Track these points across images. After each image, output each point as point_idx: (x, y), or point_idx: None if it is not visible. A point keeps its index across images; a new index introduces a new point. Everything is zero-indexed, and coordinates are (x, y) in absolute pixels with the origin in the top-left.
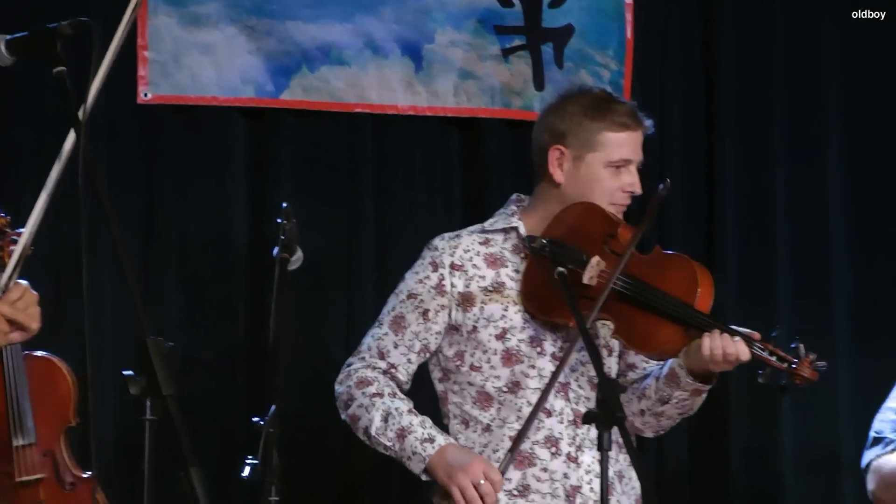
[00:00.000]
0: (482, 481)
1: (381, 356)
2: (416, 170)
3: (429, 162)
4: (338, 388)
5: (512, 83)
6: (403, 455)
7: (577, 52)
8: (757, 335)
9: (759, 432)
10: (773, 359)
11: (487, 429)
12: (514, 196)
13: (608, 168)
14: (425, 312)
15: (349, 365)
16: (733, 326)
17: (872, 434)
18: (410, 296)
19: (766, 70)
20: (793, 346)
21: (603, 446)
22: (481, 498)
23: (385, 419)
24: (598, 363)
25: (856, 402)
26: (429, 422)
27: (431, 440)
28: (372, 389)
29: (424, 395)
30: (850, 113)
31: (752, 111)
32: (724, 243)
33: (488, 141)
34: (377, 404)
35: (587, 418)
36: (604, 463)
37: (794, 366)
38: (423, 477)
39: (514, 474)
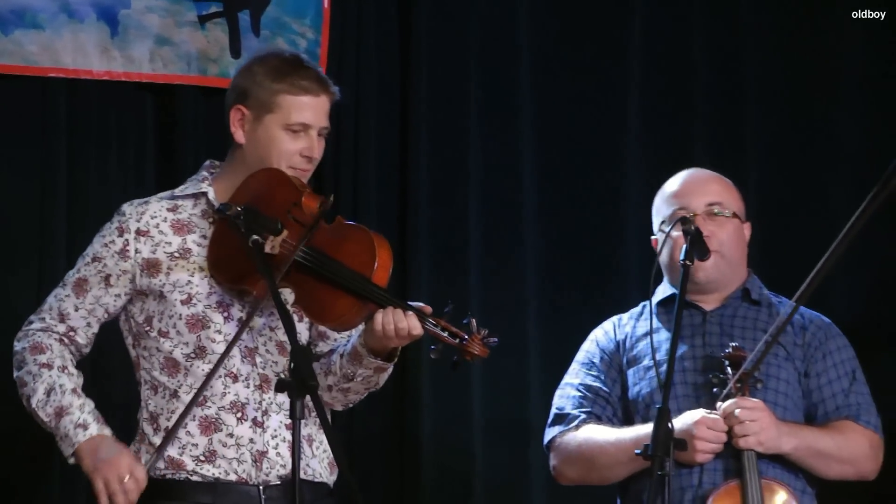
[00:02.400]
0: (127, 478)
1: (62, 318)
2: (111, 136)
3: (123, 128)
4: (16, 345)
5: (208, 50)
6: (57, 434)
7: (274, 21)
8: (429, 309)
9: (450, 401)
10: (445, 334)
11: (175, 395)
12: (206, 162)
13: (286, 131)
14: (107, 277)
15: (29, 323)
16: (410, 302)
17: (554, 411)
18: (95, 259)
19: (462, 45)
20: (465, 321)
21: (295, 415)
22: (124, 494)
23: (48, 393)
24: (291, 331)
25: (546, 374)
26: (89, 406)
27: (85, 426)
28: (43, 358)
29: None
30: (543, 89)
31: (448, 86)
32: (417, 218)
33: (184, 108)
34: (44, 376)
35: (279, 387)
36: (296, 432)
37: (464, 341)
38: (71, 461)
39: (201, 440)
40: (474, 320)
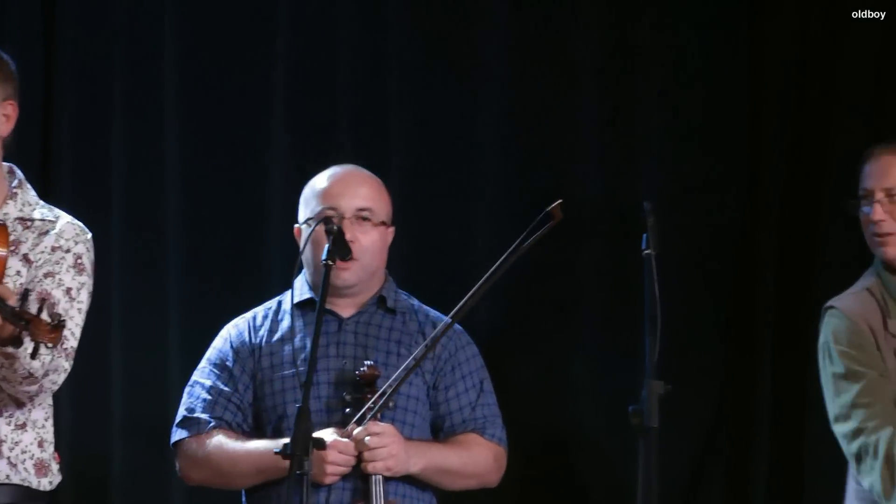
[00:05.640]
0: None
1: None
2: None
3: None
4: None
5: None
6: None
7: None
8: (9, 294)
9: (88, 400)
10: (15, 319)
11: None
12: None
13: None
14: None
15: None
16: None
17: (184, 412)
18: None
19: (106, 32)
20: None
21: None
22: None
23: None
24: None
25: (187, 372)
26: None
27: None
28: None
29: None
30: (187, 81)
31: (92, 74)
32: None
33: None
34: None
35: None
36: None
37: (29, 325)
38: None
39: None
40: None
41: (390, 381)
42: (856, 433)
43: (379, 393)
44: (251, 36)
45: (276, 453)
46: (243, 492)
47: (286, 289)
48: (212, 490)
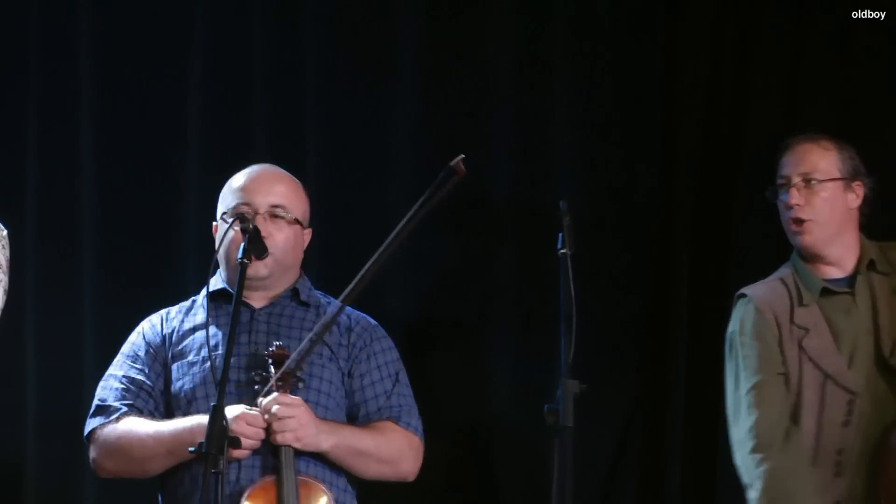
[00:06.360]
0: None
1: None
2: None
3: None
4: None
5: None
6: None
7: None
8: None
9: (2, 397)
10: None
11: None
12: None
13: None
14: None
15: None
16: None
17: (96, 402)
18: None
19: (20, 35)
20: None
21: None
22: None
23: None
24: None
25: (102, 369)
26: None
27: None
28: None
29: None
30: (103, 81)
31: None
32: None
33: None
34: None
35: None
36: None
37: None
38: None
39: None
40: None
41: (293, 353)
42: (741, 444)
43: (284, 367)
44: (166, 35)
45: (191, 451)
46: (159, 494)
47: (201, 286)
48: (124, 486)
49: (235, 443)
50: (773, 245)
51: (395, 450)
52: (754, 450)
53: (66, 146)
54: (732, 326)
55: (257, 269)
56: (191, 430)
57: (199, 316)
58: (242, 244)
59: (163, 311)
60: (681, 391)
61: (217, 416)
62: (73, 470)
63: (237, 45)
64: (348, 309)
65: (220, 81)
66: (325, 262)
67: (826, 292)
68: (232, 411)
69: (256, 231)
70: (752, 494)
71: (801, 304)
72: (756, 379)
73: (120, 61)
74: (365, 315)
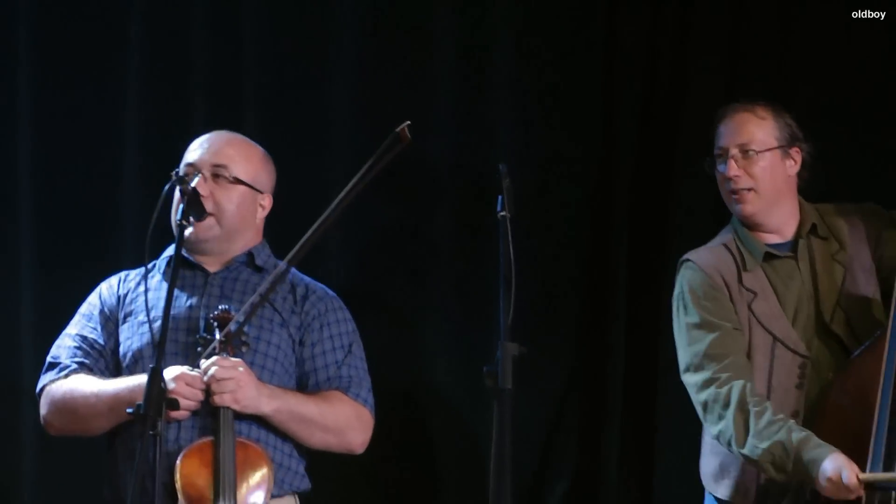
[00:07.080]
0: None
1: None
2: None
3: None
4: None
5: None
6: None
7: None
8: None
9: None
10: None
11: None
12: None
13: None
14: None
15: None
16: None
17: (49, 359)
18: None
19: None
20: None
21: None
22: None
23: None
24: None
25: (41, 333)
26: None
27: None
28: None
29: None
30: (41, 64)
31: None
32: None
33: None
34: None
35: None
36: None
37: None
38: None
39: None
40: None
41: (237, 314)
42: (707, 383)
43: (227, 329)
44: (104, 20)
45: (128, 413)
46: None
47: (139, 261)
48: (66, 450)
49: (174, 404)
50: (712, 207)
51: (340, 419)
52: (721, 383)
53: (4, 130)
54: (679, 288)
55: (196, 232)
56: (131, 390)
57: (157, 279)
58: (181, 206)
59: (122, 273)
60: (620, 353)
61: (155, 377)
62: (9, 433)
63: (175, 12)
64: (306, 279)
65: (157, 49)
66: (267, 228)
67: (769, 257)
68: (171, 372)
69: (195, 192)
70: (724, 423)
71: (745, 269)
72: (715, 332)
73: (57, 45)
74: (324, 286)
